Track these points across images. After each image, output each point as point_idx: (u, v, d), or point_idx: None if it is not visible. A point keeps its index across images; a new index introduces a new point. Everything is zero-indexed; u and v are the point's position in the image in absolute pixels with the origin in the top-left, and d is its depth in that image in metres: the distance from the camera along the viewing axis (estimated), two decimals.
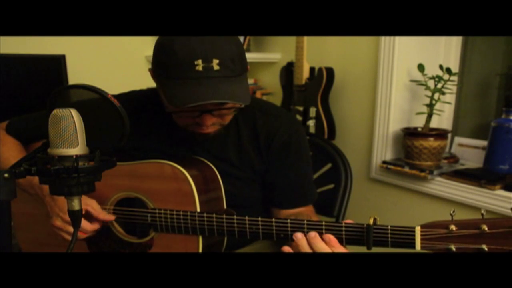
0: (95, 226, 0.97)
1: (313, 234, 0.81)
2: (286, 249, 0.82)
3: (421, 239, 0.75)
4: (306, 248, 0.81)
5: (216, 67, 0.84)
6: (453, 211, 0.73)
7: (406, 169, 1.69)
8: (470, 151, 1.76)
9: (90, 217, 0.97)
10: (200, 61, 0.83)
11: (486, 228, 0.70)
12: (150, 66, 0.95)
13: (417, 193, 1.76)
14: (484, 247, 0.71)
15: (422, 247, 0.75)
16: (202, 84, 0.84)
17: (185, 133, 0.99)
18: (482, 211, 0.72)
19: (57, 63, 1.80)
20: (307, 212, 1.07)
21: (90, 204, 0.97)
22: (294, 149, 1.05)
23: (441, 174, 1.63)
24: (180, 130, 1.00)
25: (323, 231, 0.81)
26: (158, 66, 0.90)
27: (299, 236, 0.82)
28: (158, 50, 0.89)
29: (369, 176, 1.95)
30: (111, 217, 1.00)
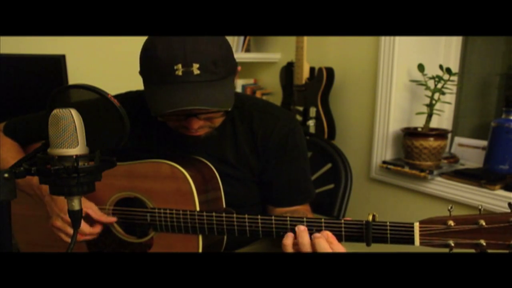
0: (94, 229, 0.96)
1: (318, 235, 0.81)
2: (290, 235, 0.82)
3: (420, 235, 0.75)
4: (307, 243, 0.81)
5: (196, 72, 0.82)
6: (451, 207, 0.74)
7: (406, 169, 1.69)
8: (470, 151, 1.76)
9: (90, 220, 0.96)
10: (180, 66, 0.82)
11: (484, 223, 0.71)
12: None
13: (417, 193, 1.76)
14: (482, 241, 0.72)
15: (421, 243, 0.76)
16: (181, 89, 0.83)
17: (181, 133, 0.99)
18: (480, 207, 0.73)
19: (57, 63, 1.80)
20: (303, 210, 1.07)
21: (90, 206, 0.96)
22: (291, 148, 1.05)
23: (441, 174, 1.63)
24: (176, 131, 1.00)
25: (323, 228, 0.82)
26: (142, 70, 0.90)
27: (301, 228, 0.82)
28: (141, 53, 0.89)
29: (369, 176, 1.95)
30: (111, 219, 1.00)
